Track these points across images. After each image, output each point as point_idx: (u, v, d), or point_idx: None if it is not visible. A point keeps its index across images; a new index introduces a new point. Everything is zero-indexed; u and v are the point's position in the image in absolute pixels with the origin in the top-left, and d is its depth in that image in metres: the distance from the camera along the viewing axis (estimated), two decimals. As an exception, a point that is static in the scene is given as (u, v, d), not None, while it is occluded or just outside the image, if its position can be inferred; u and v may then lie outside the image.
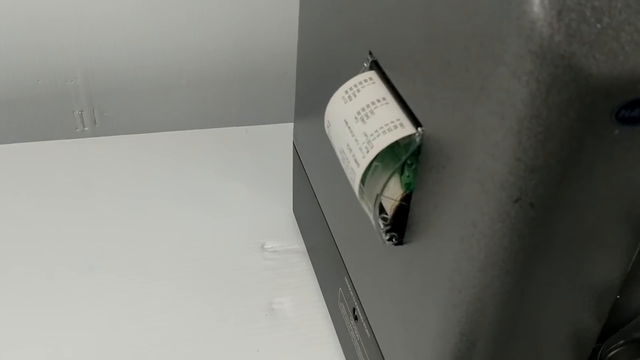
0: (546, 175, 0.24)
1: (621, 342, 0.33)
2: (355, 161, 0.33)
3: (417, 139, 0.31)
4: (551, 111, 0.23)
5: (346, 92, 0.36)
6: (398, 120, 0.32)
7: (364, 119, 0.33)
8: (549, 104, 0.23)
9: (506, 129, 0.24)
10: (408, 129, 0.31)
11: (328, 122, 0.38)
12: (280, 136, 0.71)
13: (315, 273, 0.56)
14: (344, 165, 0.36)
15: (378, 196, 0.32)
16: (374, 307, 0.42)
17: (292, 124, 0.61)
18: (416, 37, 0.30)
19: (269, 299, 0.56)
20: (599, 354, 0.34)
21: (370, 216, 0.34)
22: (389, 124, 0.32)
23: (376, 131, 0.32)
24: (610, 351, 0.34)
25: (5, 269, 0.57)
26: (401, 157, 0.32)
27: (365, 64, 0.37)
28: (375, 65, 0.36)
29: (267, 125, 0.76)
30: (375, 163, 0.33)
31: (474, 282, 0.28)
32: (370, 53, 0.36)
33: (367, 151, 0.32)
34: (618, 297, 0.31)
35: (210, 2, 0.74)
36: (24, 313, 0.53)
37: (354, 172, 0.34)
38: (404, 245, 0.34)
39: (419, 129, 0.31)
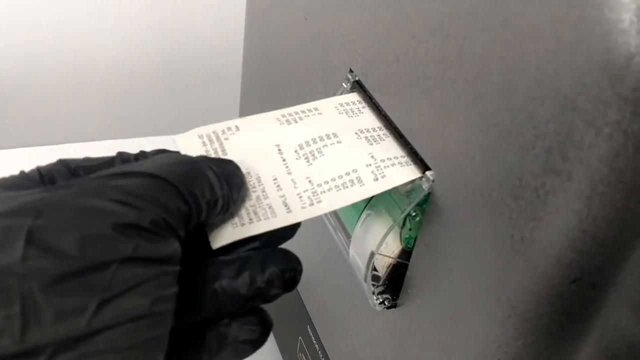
0: (618, 251, 0.19)
1: None
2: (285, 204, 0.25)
3: (425, 186, 0.24)
4: (637, 173, 0.17)
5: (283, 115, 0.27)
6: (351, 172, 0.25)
7: (308, 157, 0.26)
8: (636, 163, 0.17)
9: (572, 192, 0.18)
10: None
11: None
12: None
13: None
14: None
15: (373, 254, 0.26)
16: (346, 366, 0.36)
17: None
18: (430, 56, 0.24)
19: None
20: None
21: (359, 274, 0.27)
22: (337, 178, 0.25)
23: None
24: None
25: None
26: (402, 205, 0.25)
27: (344, 84, 0.30)
28: (358, 87, 0.29)
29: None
30: (367, 211, 0.27)
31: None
32: (351, 71, 0.30)
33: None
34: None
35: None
36: None
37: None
38: (397, 309, 0.28)
39: (428, 173, 0.24)
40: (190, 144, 0.25)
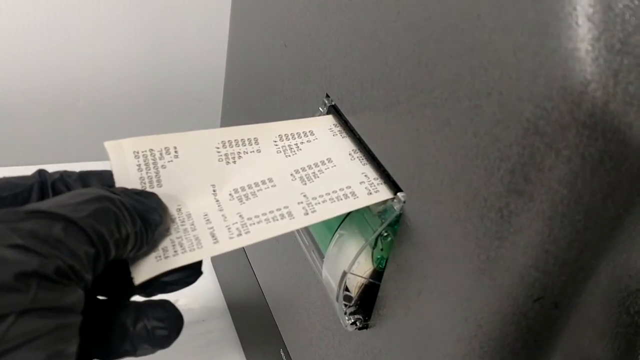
0: (579, 271, 0.20)
1: None
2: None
3: (397, 207, 0.25)
4: (594, 195, 0.18)
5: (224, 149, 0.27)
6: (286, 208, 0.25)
7: (242, 199, 0.26)
8: (594, 186, 0.18)
9: (534, 213, 0.19)
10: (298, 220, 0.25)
11: None
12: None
13: (239, 338, 0.49)
14: None
15: (345, 274, 0.26)
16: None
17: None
18: (402, 82, 0.24)
19: (184, 365, 0.48)
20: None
21: (332, 294, 0.28)
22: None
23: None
24: None
25: None
26: (374, 226, 0.26)
27: (321, 109, 0.31)
28: (334, 111, 0.30)
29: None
30: (339, 231, 0.27)
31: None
32: (327, 96, 0.31)
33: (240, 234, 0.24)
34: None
35: (116, 10, 0.65)
36: None
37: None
38: (369, 330, 0.29)
39: (399, 194, 0.25)
40: (125, 163, 0.24)
